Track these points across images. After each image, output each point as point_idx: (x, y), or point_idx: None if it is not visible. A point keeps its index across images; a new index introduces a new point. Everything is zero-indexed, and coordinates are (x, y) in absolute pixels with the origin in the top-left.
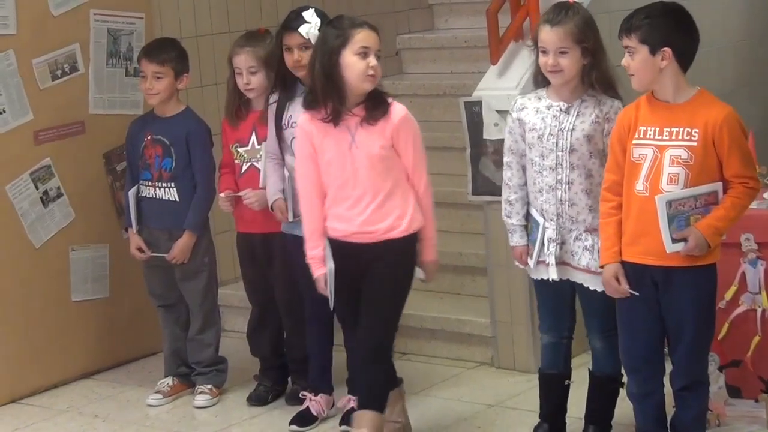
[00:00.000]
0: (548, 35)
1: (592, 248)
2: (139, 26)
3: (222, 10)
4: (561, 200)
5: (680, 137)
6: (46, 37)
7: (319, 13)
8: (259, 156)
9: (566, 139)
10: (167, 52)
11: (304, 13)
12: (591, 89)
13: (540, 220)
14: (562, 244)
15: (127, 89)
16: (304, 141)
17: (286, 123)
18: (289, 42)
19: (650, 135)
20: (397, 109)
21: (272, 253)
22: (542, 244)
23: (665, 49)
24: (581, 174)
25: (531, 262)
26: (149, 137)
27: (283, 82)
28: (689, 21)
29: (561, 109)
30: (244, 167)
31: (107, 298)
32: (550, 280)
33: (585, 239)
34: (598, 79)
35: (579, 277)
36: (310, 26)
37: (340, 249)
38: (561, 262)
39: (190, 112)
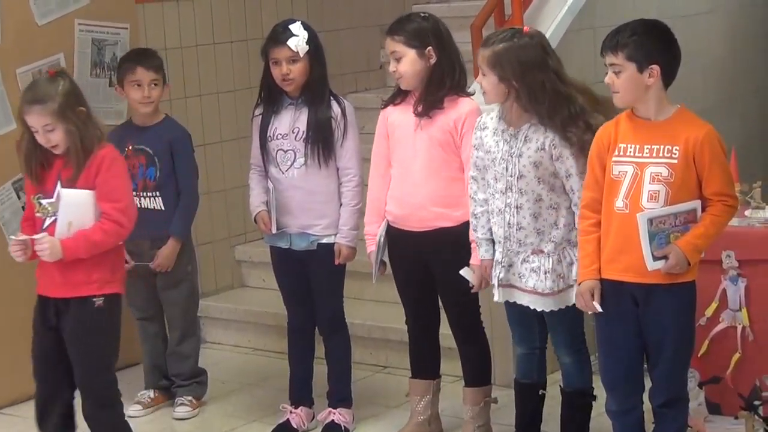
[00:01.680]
0: (478, 53)
1: (539, 269)
2: (123, 37)
3: (206, 21)
4: (509, 223)
5: (661, 155)
6: (30, 46)
7: (306, 26)
8: None
9: (515, 165)
10: (157, 59)
11: (291, 26)
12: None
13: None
14: (510, 266)
15: (111, 99)
16: None
17: (272, 135)
18: (277, 55)
19: (630, 152)
20: None
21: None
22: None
23: (653, 66)
24: (530, 199)
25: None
26: (130, 147)
27: (268, 95)
28: (673, 38)
29: (511, 134)
30: (47, 221)
31: None
32: (503, 301)
33: (532, 261)
34: (526, 106)
35: (525, 299)
36: (299, 39)
37: None
38: (508, 285)
39: (170, 120)
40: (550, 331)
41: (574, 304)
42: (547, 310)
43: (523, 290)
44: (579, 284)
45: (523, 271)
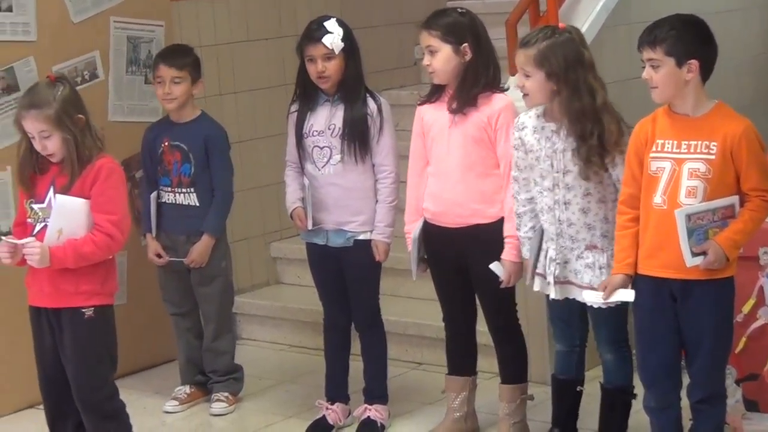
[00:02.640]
0: (517, 57)
1: (593, 265)
2: (158, 34)
3: (241, 18)
4: (559, 220)
5: (698, 150)
6: (66, 44)
7: (340, 23)
8: None
9: (560, 161)
10: (184, 57)
11: (326, 23)
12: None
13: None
14: (566, 263)
15: (146, 97)
16: None
17: (308, 132)
18: (313, 53)
19: (668, 148)
20: None
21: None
22: (536, 258)
23: (692, 61)
24: (577, 194)
25: (527, 277)
26: (166, 143)
27: (303, 92)
28: (710, 33)
29: (552, 130)
30: (38, 227)
31: (124, 305)
32: (561, 298)
33: (586, 257)
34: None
35: (581, 296)
36: (334, 36)
37: None
38: (564, 281)
39: (206, 116)
40: (594, 327)
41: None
42: (604, 306)
43: (580, 286)
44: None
45: (579, 267)
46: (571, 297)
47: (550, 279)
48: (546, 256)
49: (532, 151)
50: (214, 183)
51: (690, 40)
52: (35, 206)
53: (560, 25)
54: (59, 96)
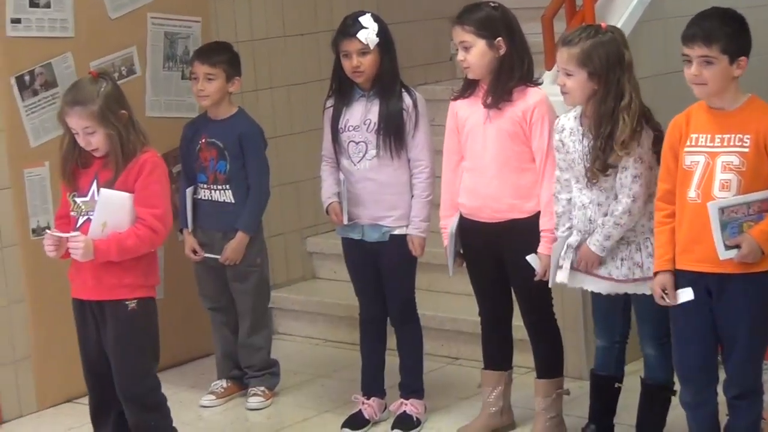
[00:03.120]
0: (558, 54)
1: (616, 256)
2: (195, 30)
3: (277, 14)
4: (590, 219)
5: (732, 144)
6: (103, 39)
7: (376, 18)
8: None
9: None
10: (219, 54)
11: (361, 19)
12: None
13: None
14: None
15: (183, 92)
16: None
17: (343, 127)
18: (348, 48)
19: (702, 142)
20: None
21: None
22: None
23: (742, 57)
24: (610, 196)
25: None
26: (204, 140)
27: (339, 87)
28: (748, 27)
29: (583, 133)
30: (80, 221)
31: (161, 299)
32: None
33: (621, 251)
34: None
35: (594, 286)
36: (369, 31)
37: None
38: (584, 270)
39: (242, 113)
40: (638, 322)
41: None
42: (612, 294)
43: (600, 277)
44: (654, 275)
45: (605, 259)
46: (585, 287)
47: (566, 264)
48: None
49: (569, 153)
50: (249, 181)
51: (741, 37)
52: (78, 200)
53: (602, 24)
54: (102, 92)
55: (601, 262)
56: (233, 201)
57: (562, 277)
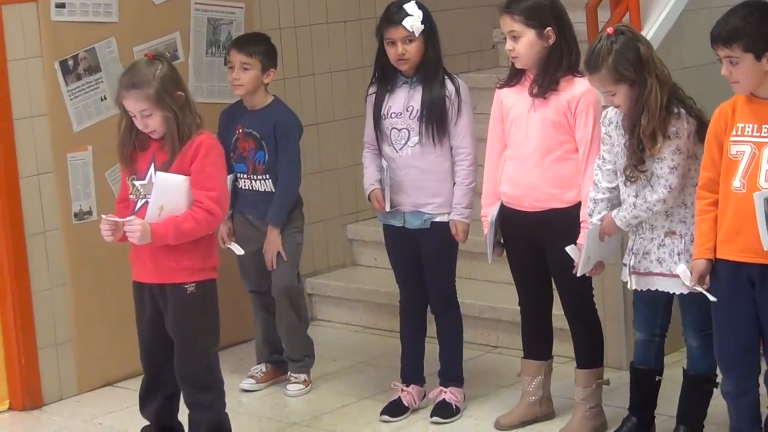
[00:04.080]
0: (592, 81)
1: (673, 252)
2: (239, 16)
3: (320, 1)
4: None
5: None
6: (147, 25)
7: (419, 5)
8: None
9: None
10: (256, 44)
11: (406, 6)
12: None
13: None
14: (646, 254)
15: (226, 78)
16: None
17: (386, 114)
18: (393, 36)
19: (748, 132)
20: None
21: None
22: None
23: None
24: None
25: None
26: (240, 130)
27: (382, 74)
28: None
29: (623, 134)
30: (139, 204)
31: None
32: (641, 289)
33: (667, 244)
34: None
35: (661, 285)
36: (414, 19)
37: None
38: (646, 273)
39: (278, 103)
40: (682, 313)
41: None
42: (686, 292)
43: (661, 275)
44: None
45: (662, 255)
46: (652, 288)
47: (627, 270)
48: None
49: (614, 146)
50: (279, 172)
51: (765, 32)
52: (137, 183)
53: (609, 30)
54: (158, 74)
55: (659, 259)
56: (274, 190)
57: (632, 283)
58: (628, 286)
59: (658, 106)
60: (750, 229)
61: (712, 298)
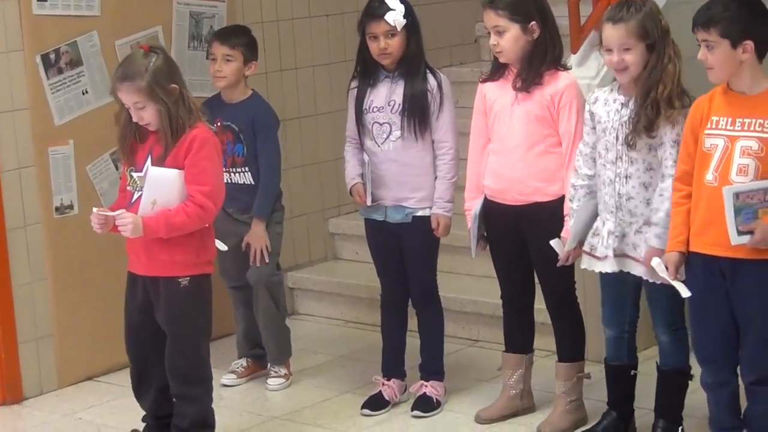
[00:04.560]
0: (611, 32)
1: (648, 241)
2: (221, 10)
3: None
4: (619, 193)
5: (752, 128)
6: (129, 18)
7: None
8: None
9: (626, 133)
10: (239, 37)
11: (387, 0)
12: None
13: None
14: (623, 236)
15: (208, 72)
16: None
17: (368, 108)
18: (375, 30)
19: (722, 125)
20: None
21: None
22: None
23: (746, 42)
24: (640, 168)
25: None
26: (219, 123)
27: (364, 68)
28: (765, 10)
29: (621, 103)
30: (136, 195)
31: None
32: (606, 272)
33: (645, 232)
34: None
35: (638, 270)
36: (396, 13)
37: None
38: (621, 255)
39: (257, 98)
40: (650, 309)
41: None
42: (658, 282)
43: (637, 260)
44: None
45: (638, 241)
46: (626, 270)
47: (609, 252)
48: (601, 233)
49: (600, 123)
50: (261, 166)
51: (745, 21)
52: (134, 174)
53: None
54: (152, 67)
55: (634, 244)
56: (253, 182)
57: (607, 266)
58: (604, 270)
59: (676, 75)
60: (720, 222)
61: (685, 294)
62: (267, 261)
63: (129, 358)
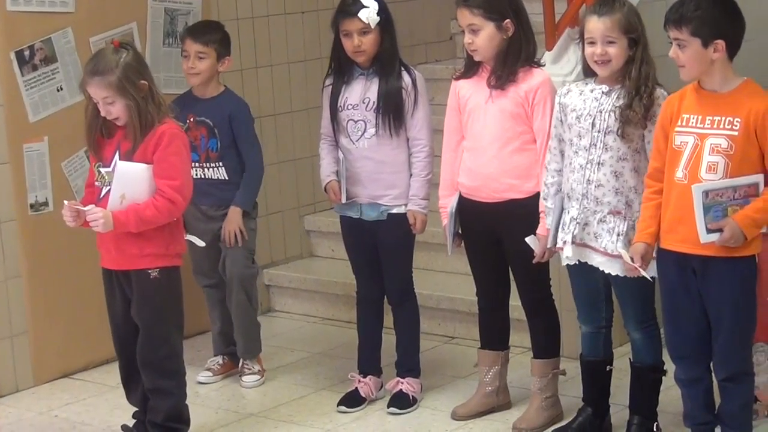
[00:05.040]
0: (595, 25)
1: (613, 230)
2: (196, 6)
3: None
4: (588, 180)
5: (722, 126)
6: (104, 15)
7: None
8: None
9: (604, 120)
10: (212, 33)
11: None
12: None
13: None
14: (586, 225)
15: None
16: None
17: (342, 105)
18: (349, 27)
19: (692, 123)
20: None
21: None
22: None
23: (718, 41)
24: (613, 156)
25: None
26: (192, 119)
27: (338, 66)
28: (737, 9)
29: (602, 92)
30: (104, 190)
31: None
32: (573, 265)
33: (608, 221)
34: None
35: (596, 260)
36: (369, 11)
37: None
38: (581, 244)
39: (230, 93)
40: (621, 304)
41: (644, 278)
42: (613, 274)
43: (595, 250)
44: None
45: (599, 230)
46: (583, 260)
47: (568, 239)
48: (563, 219)
49: (575, 111)
50: (244, 159)
51: (716, 20)
52: (102, 170)
53: None
54: (122, 62)
55: (596, 234)
56: (227, 178)
57: (567, 252)
58: (564, 255)
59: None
60: (690, 219)
61: (647, 275)
62: (240, 244)
63: (116, 352)
